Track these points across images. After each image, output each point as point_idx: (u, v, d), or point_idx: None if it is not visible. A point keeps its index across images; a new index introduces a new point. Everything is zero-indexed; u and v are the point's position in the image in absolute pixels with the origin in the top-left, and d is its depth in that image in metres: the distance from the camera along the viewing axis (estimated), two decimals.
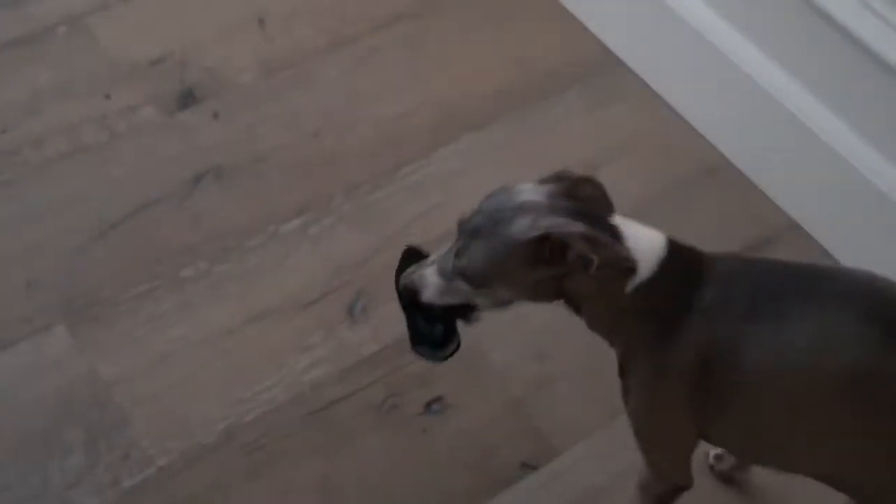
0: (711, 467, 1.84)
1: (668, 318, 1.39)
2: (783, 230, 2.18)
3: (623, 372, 1.49)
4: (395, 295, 2.03)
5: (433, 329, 1.49)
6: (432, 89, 2.38)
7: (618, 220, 1.37)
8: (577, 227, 1.32)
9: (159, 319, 2.02)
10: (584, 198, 1.38)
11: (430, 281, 1.44)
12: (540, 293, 1.40)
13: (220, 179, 2.23)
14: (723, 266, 1.42)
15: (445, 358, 1.49)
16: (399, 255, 1.55)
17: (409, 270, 1.47)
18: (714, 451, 1.83)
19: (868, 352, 1.32)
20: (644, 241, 1.37)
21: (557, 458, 1.89)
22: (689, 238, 2.12)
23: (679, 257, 1.39)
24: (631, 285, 1.36)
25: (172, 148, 2.27)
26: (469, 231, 1.39)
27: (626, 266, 1.34)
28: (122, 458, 1.85)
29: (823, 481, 1.46)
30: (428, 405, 1.94)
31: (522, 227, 1.33)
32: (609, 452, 1.89)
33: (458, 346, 1.48)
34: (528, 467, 1.88)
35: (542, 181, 1.40)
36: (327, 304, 2.06)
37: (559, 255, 1.33)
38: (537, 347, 2.00)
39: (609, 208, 1.40)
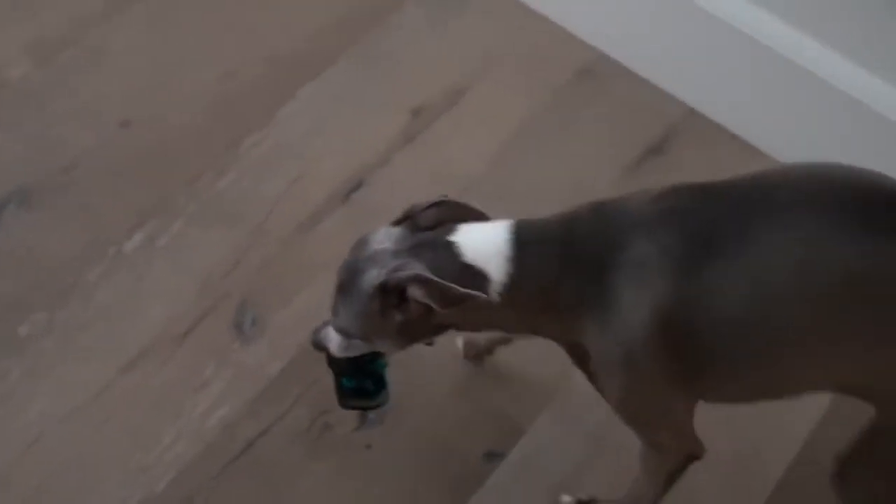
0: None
1: (591, 296, 1.32)
2: (682, 119, 2.07)
3: (580, 361, 1.41)
4: (286, 297, 1.84)
5: (363, 382, 1.58)
6: (250, 40, 2.11)
7: (459, 233, 1.36)
8: (411, 270, 1.32)
9: (9, 397, 1.72)
10: (429, 226, 1.38)
11: (331, 336, 1.48)
12: (417, 334, 1.41)
13: (27, 204, 1.91)
14: (632, 214, 1.32)
15: (377, 407, 1.61)
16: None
17: (317, 327, 1.51)
18: (460, 338, 1.76)
19: (856, 252, 1.25)
20: (486, 244, 1.35)
21: (523, 436, 1.75)
22: (587, 149, 2.02)
23: (539, 235, 1.35)
24: (494, 294, 1.34)
25: None
26: (336, 287, 1.41)
27: (464, 297, 1.31)
28: None
29: (833, 391, 1.41)
30: (363, 416, 1.75)
31: (370, 279, 1.36)
32: (577, 414, 1.76)
33: (388, 396, 1.60)
34: (495, 456, 1.73)
35: (394, 223, 1.41)
36: (208, 328, 1.81)
37: (404, 299, 1.34)
38: None
39: (466, 217, 1.40)
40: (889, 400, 1.36)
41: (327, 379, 1.76)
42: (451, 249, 1.35)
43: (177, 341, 1.79)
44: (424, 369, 1.78)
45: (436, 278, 1.31)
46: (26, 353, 1.77)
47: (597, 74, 2.11)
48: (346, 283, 1.39)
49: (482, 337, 1.75)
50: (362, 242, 1.40)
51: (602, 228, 1.33)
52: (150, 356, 1.78)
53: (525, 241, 1.35)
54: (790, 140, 1.99)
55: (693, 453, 1.48)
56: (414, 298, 1.33)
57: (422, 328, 1.40)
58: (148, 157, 1.98)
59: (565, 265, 1.33)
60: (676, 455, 1.49)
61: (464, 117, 2.05)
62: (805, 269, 1.26)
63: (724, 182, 1.34)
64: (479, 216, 1.42)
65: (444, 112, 2.05)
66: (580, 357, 1.42)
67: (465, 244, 1.35)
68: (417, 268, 1.33)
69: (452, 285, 1.31)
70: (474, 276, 1.34)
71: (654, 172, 1.99)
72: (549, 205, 1.43)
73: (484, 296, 1.32)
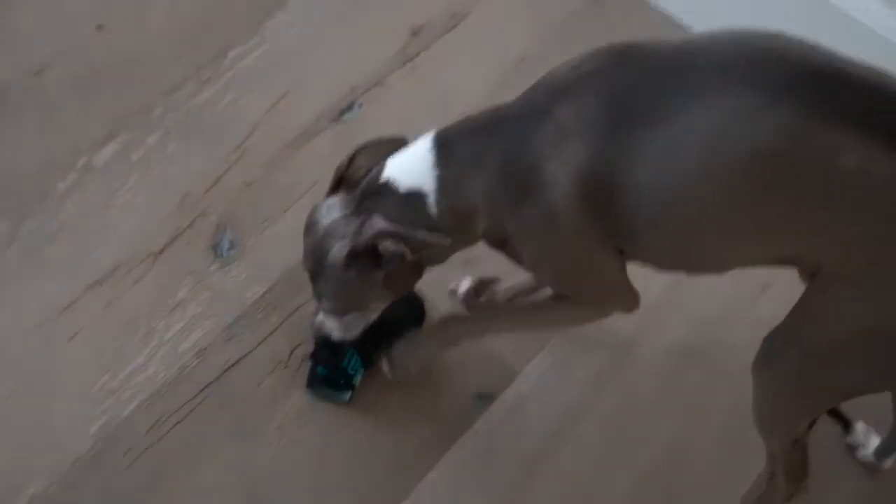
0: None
1: (515, 171, 1.39)
2: None
3: (503, 245, 1.48)
4: (268, 220, 1.87)
5: (335, 376, 1.71)
6: None
7: (388, 168, 1.47)
8: (372, 228, 1.45)
9: None
10: (363, 178, 1.50)
11: (328, 324, 1.62)
12: (402, 281, 1.54)
13: None
14: (555, 82, 1.38)
15: (338, 403, 1.73)
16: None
17: (312, 320, 1.65)
18: (464, 285, 1.81)
19: (770, 126, 1.27)
20: (412, 164, 1.46)
21: (515, 379, 1.78)
22: None
23: (461, 131, 1.44)
24: (432, 208, 1.45)
25: None
26: (309, 276, 1.55)
27: (428, 243, 1.45)
28: None
29: (764, 266, 1.44)
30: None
31: (336, 254, 1.48)
32: (572, 359, 1.80)
33: (352, 398, 1.73)
34: (486, 398, 1.76)
35: (328, 193, 1.54)
36: (184, 246, 1.84)
37: (378, 256, 1.47)
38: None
39: (394, 150, 1.50)
40: (818, 269, 1.38)
41: (309, 307, 1.80)
42: (388, 188, 1.46)
43: (151, 259, 1.82)
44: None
45: (395, 227, 1.44)
46: None
47: (609, 4, 2.14)
48: (316, 268, 1.52)
49: (502, 292, 1.80)
50: (310, 225, 1.52)
51: (527, 100, 1.41)
52: (120, 273, 1.80)
53: (446, 142, 1.44)
54: None
55: (630, 304, 1.53)
56: (388, 252, 1.45)
57: (404, 274, 1.52)
58: (124, 63, 1.99)
59: (489, 147, 1.41)
60: (609, 306, 1.54)
61: (465, 40, 2.07)
62: (715, 142, 1.29)
63: (649, 45, 1.36)
64: (403, 143, 1.52)
65: (445, 33, 2.08)
66: (504, 244, 1.48)
67: (396, 176, 1.46)
68: (377, 222, 1.45)
69: (414, 232, 1.44)
70: (415, 199, 1.45)
71: None
72: None
73: (447, 240, 1.45)
